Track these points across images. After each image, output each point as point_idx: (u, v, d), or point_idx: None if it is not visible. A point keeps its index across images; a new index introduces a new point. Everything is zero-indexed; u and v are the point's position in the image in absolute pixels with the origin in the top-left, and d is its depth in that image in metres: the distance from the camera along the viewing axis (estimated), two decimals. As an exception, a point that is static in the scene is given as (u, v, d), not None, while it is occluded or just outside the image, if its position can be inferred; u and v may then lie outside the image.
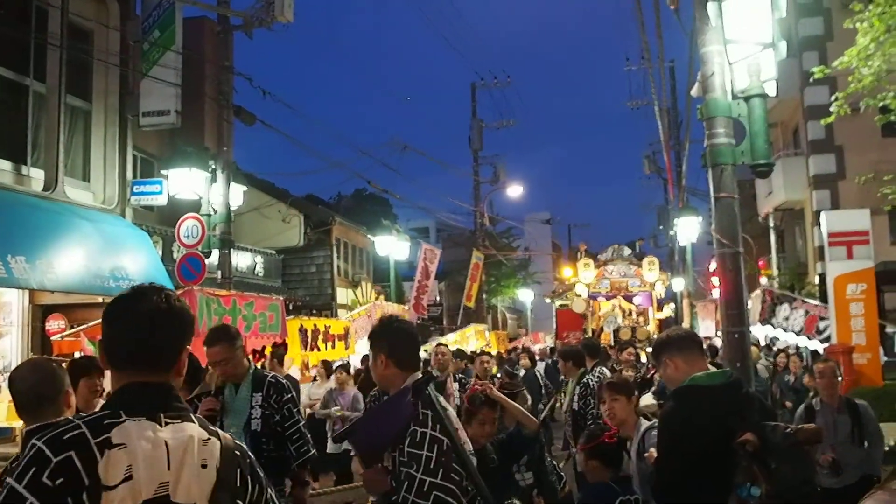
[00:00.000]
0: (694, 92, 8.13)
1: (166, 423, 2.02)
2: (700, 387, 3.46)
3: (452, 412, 3.52)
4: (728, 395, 3.48)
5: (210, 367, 6.04)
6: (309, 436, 5.52)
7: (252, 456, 2.24)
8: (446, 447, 3.10)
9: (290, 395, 5.40)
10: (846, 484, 6.06)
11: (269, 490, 2.22)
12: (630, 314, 30.63)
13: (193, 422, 2.09)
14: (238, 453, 2.15)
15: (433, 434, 3.10)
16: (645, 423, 4.53)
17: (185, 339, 2.21)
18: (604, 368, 9.05)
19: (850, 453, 6.28)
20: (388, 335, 3.52)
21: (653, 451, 3.93)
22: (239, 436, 4.96)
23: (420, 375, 3.45)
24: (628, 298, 30.31)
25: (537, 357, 19.39)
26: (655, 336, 27.85)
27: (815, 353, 14.68)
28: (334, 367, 12.44)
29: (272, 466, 5.10)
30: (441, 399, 3.38)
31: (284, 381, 5.55)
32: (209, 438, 2.08)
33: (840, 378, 7.12)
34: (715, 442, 3.26)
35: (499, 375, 12.60)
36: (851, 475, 6.13)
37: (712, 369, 3.81)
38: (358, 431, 3.68)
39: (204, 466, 2.02)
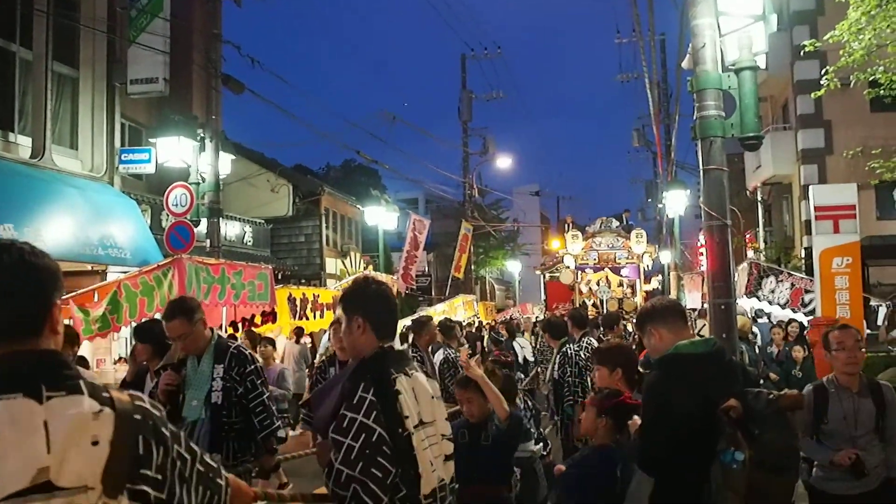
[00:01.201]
0: (685, 64, 8.14)
1: (48, 398, 1.78)
2: (685, 355, 3.50)
3: (425, 391, 3.07)
4: (712, 364, 3.53)
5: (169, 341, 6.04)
6: (274, 408, 5.42)
7: (158, 414, 1.99)
8: (376, 438, 2.73)
9: (252, 367, 5.28)
10: (865, 490, 4.67)
11: (175, 447, 1.97)
12: (619, 286, 30.70)
13: (83, 392, 1.83)
14: (138, 417, 1.89)
15: (363, 422, 2.74)
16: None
17: (48, 294, 1.94)
18: (591, 339, 9.08)
19: (874, 450, 4.70)
20: (366, 297, 3.18)
21: (636, 419, 3.91)
22: (200, 408, 5.07)
23: (395, 345, 3.17)
24: (616, 270, 30.29)
25: (523, 329, 19.46)
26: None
27: (801, 325, 14.81)
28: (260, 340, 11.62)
29: (236, 437, 5.16)
30: (403, 379, 2.96)
31: (248, 352, 5.43)
32: (101, 410, 1.83)
33: (864, 350, 5.28)
34: (699, 409, 3.30)
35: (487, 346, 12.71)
36: (872, 479, 4.67)
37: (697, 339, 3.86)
38: (313, 400, 3.52)
39: (95, 443, 1.79)
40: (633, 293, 29.95)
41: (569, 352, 8.27)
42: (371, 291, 3.21)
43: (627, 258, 29.40)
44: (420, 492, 2.84)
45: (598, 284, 30.30)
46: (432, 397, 3.10)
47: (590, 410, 4.28)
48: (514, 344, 15.85)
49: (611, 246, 29.67)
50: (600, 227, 30.26)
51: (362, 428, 2.74)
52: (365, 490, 2.67)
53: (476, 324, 22.53)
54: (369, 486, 2.68)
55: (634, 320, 4.30)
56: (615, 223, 30.43)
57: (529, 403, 6.32)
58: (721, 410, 3.27)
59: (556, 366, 8.27)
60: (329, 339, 8.51)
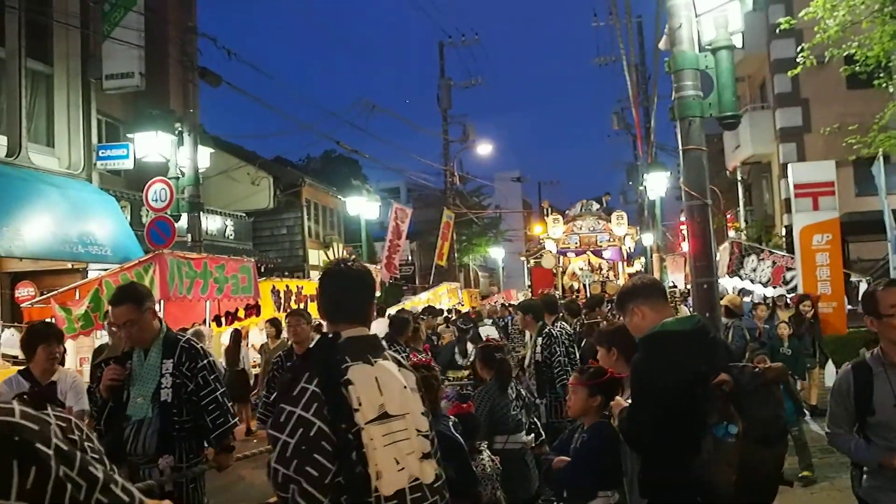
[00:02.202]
0: (662, 45, 8.17)
1: None
2: (673, 331, 3.53)
3: (394, 380, 2.77)
4: (698, 340, 3.55)
5: (115, 329, 5.73)
6: (229, 405, 5.08)
7: (33, 428, 1.56)
8: (314, 433, 2.49)
9: (205, 362, 4.94)
10: None
11: (62, 469, 1.55)
12: (600, 269, 30.67)
13: None
14: (17, 439, 1.52)
15: (301, 416, 2.50)
16: None
17: None
18: (564, 323, 9.12)
19: None
20: (322, 279, 2.98)
21: (619, 401, 3.88)
22: (147, 406, 4.73)
23: (365, 332, 2.86)
24: (597, 253, 30.23)
25: (485, 316, 19.33)
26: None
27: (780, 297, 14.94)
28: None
29: (188, 437, 4.85)
30: (359, 368, 2.67)
31: (200, 346, 5.06)
32: None
33: None
34: (689, 385, 3.32)
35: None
36: None
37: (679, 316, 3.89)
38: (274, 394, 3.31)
39: None
40: (616, 276, 29.92)
41: (553, 332, 8.26)
42: (329, 272, 2.99)
43: (609, 241, 29.33)
44: (373, 493, 2.56)
45: (580, 269, 30.28)
46: (404, 387, 2.80)
47: (580, 391, 4.25)
48: (479, 331, 15.79)
49: (592, 229, 29.58)
50: (581, 210, 30.17)
51: (300, 422, 2.50)
52: (300, 491, 2.46)
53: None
54: (303, 485, 2.46)
55: (616, 300, 4.04)
56: (595, 206, 30.29)
57: (523, 393, 6.13)
58: (714, 385, 3.28)
59: (540, 348, 8.15)
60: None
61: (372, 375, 2.69)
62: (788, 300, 13.60)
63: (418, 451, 2.75)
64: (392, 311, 19.05)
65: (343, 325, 2.80)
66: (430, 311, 12.94)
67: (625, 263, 30.20)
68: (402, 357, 3.10)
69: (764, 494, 3.40)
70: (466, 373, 10.02)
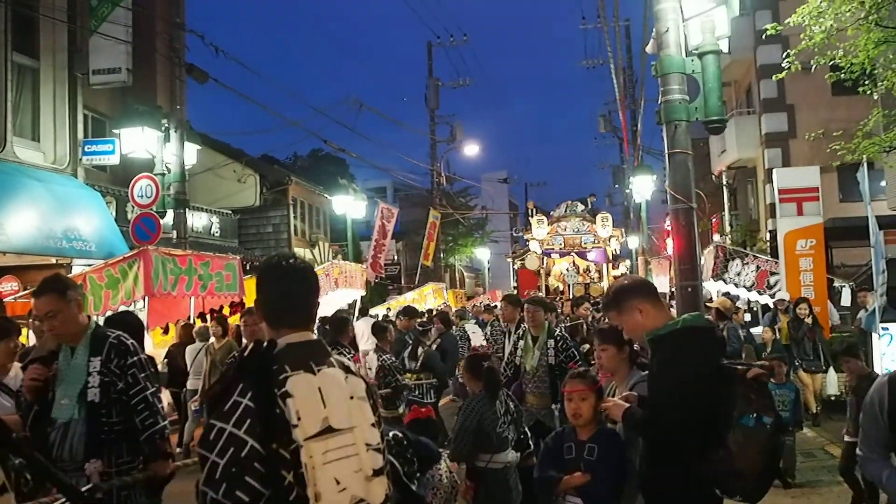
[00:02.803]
0: (649, 49, 8.21)
1: None
2: (698, 327, 3.63)
3: (339, 390, 2.50)
4: (714, 335, 3.74)
5: (35, 323, 5.42)
6: (160, 405, 4.74)
7: None
8: (246, 453, 2.24)
9: (135, 359, 4.61)
10: None
11: None
12: (587, 271, 30.58)
13: None
14: None
15: (233, 433, 2.25)
16: (638, 374, 4.24)
17: None
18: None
19: None
20: (262, 276, 2.65)
21: (617, 402, 3.80)
22: (73, 407, 4.43)
23: (309, 337, 2.58)
24: (582, 255, 30.13)
25: (470, 315, 19.12)
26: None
27: (765, 307, 15.02)
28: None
29: (118, 440, 4.51)
30: (300, 378, 2.39)
31: (130, 342, 4.72)
32: None
33: None
34: (716, 379, 3.41)
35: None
36: None
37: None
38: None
39: None
40: (600, 278, 29.83)
41: (557, 333, 8.01)
42: (269, 269, 2.64)
43: (593, 242, 29.19)
44: None
45: (566, 269, 30.22)
46: (351, 398, 2.51)
47: (590, 397, 4.17)
48: (452, 335, 15.12)
49: (576, 230, 29.48)
50: (565, 211, 30.06)
51: (230, 441, 2.24)
52: None
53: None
54: None
55: (611, 298, 3.88)
56: (580, 207, 30.17)
57: (512, 406, 5.61)
58: (750, 377, 3.38)
59: (553, 350, 7.69)
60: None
61: (314, 386, 2.41)
62: (788, 305, 13.61)
63: (367, 468, 2.48)
64: (376, 311, 19.10)
65: (285, 330, 2.51)
66: (409, 311, 12.76)
67: (610, 265, 30.14)
68: (348, 360, 2.82)
69: (771, 480, 3.57)
70: (413, 377, 9.73)
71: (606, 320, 4.52)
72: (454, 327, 13.79)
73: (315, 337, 2.62)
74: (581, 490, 4.02)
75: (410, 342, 10.55)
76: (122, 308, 10.60)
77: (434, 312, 16.39)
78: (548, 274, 30.87)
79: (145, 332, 10.66)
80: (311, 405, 2.36)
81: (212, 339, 10.64)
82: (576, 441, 4.17)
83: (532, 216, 30.84)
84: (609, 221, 28.92)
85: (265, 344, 2.42)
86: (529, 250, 30.58)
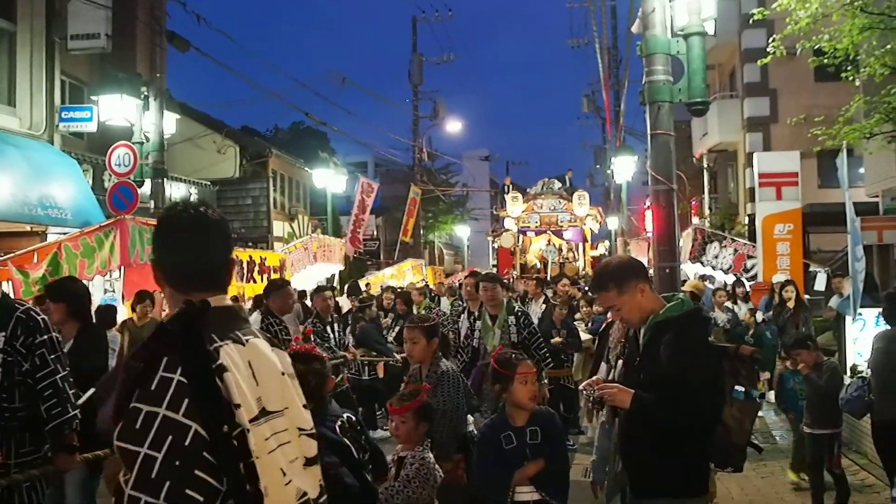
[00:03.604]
0: (634, 28, 8.17)
1: None
2: (700, 309, 3.74)
3: (270, 366, 2.08)
4: (707, 317, 3.85)
5: None
6: (69, 392, 4.23)
7: None
8: (190, 441, 1.79)
9: (45, 338, 4.15)
10: None
11: None
12: (560, 250, 30.20)
13: None
14: None
15: (168, 417, 1.79)
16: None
17: None
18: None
19: None
20: (168, 228, 2.16)
21: (618, 387, 3.51)
22: None
23: (227, 301, 2.14)
24: (558, 234, 29.38)
25: (433, 293, 18.08)
26: (589, 271, 28.16)
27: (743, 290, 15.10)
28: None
29: (22, 429, 4.10)
30: (231, 349, 1.95)
31: (41, 318, 4.24)
32: None
33: None
34: (724, 358, 3.54)
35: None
36: None
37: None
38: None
39: None
40: (576, 257, 29.51)
41: (517, 308, 7.71)
42: (176, 219, 2.15)
43: (570, 221, 28.50)
44: None
45: (546, 246, 29.90)
46: (282, 374, 2.11)
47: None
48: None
49: (553, 208, 28.61)
50: (542, 188, 29.27)
51: (167, 427, 1.78)
52: None
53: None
54: None
55: (610, 276, 3.62)
56: (557, 185, 29.38)
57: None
58: (746, 355, 3.53)
59: (515, 328, 7.36)
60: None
61: (245, 359, 1.98)
62: (748, 288, 13.65)
63: (301, 457, 2.08)
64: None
65: (198, 294, 2.02)
66: (352, 289, 12.59)
67: (587, 245, 29.81)
68: (280, 330, 2.45)
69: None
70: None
71: (595, 298, 4.48)
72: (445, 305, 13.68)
73: (231, 303, 2.18)
74: (534, 478, 3.86)
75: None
76: (98, 278, 10.53)
77: (384, 289, 15.30)
78: (524, 252, 30.51)
79: (120, 305, 10.59)
80: (246, 382, 1.94)
81: (133, 315, 9.67)
82: (513, 428, 3.93)
83: (507, 192, 30.23)
84: (586, 200, 28.19)
85: (195, 305, 1.96)
86: (505, 228, 30.17)
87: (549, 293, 12.14)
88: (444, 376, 4.92)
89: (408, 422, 3.99)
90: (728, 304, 12.57)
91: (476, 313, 7.65)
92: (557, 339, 9.41)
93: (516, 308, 7.70)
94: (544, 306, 11.36)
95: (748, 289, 13.80)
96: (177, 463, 1.76)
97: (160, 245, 2.16)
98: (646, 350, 3.52)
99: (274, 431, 1.98)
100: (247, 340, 2.02)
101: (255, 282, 14.12)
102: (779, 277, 13.32)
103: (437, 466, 4.03)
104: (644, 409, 3.38)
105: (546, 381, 7.96)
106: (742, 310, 12.36)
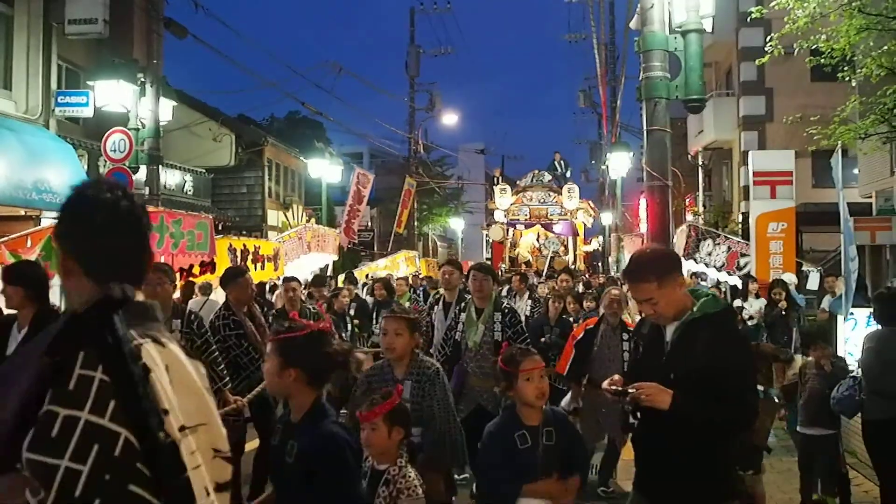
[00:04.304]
0: (632, 24, 8.19)
1: None
2: (733, 306, 3.71)
3: (187, 376, 1.76)
4: None
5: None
6: None
7: None
8: (121, 450, 1.51)
9: None
10: None
11: None
12: (565, 242, 29.74)
13: None
14: None
15: (92, 423, 1.50)
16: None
17: None
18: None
19: None
20: (85, 209, 1.79)
21: (656, 385, 3.25)
22: None
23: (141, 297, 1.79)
24: (548, 227, 29.12)
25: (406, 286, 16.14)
26: (580, 266, 28.13)
27: (734, 287, 15.17)
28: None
29: None
30: (152, 348, 1.68)
31: None
32: None
33: None
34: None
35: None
36: None
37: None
38: None
39: None
40: (566, 251, 29.04)
41: (504, 305, 7.02)
42: (91, 199, 1.79)
43: (560, 214, 28.18)
44: None
45: (546, 238, 29.63)
46: (200, 386, 1.79)
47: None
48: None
49: (542, 201, 28.31)
50: (532, 180, 28.92)
51: (91, 434, 1.49)
52: None
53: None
54: None
55: (653, 267, 3.36)
56: (547, 177, 28.99)
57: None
58: (767, 352, 3.52)
59: (500, 325, 6.74)
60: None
61: (164, 363, 1.70)
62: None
63: (212, 481, 1.73)
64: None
65: (113, 282, 1.73)
66: (317, 280, 12.38)
67: (577, 239, 29.39)
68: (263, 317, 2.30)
69: None
70: None
71: (626, 290, 4.26)
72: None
73: (144, 299, 1.84)
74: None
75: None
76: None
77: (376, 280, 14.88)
78: (514, 245, 30.10)
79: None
80: (167, 389, 1.66)
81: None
82: (528, 427, 3.70)
83: (496, 184, 29.64)
84: (575, 193, 27.79)
85: (113, 296, 1.69)
86: (494, 220, 29.83)
87: (546, 289, 11.91)
88: (437, 374, 4.56)
89: (378, 429, 3.49)
90: (738, 301, 12.60)
91: (462, 304, 6.97)
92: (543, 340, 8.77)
93: (504, 304, 7.02)
94: (530, 302, 11.21)
95: (741, 287, 13.85)
96: (107, 477, 1.49)
97: (76, 227, 1.79)
98: (676, 347, 3.34)
99: (195, 449, 1.68)
100: (165, 343, 1.74)
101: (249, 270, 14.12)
102: (789, 276, 13.23)
103: (419, 482, 3.58)
104: (684, 409, 3.17)
105: None
106: (753, 307, 12.23)
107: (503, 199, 27.98)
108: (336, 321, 10.13)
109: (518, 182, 29.85)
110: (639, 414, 3.33)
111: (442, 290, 7.75)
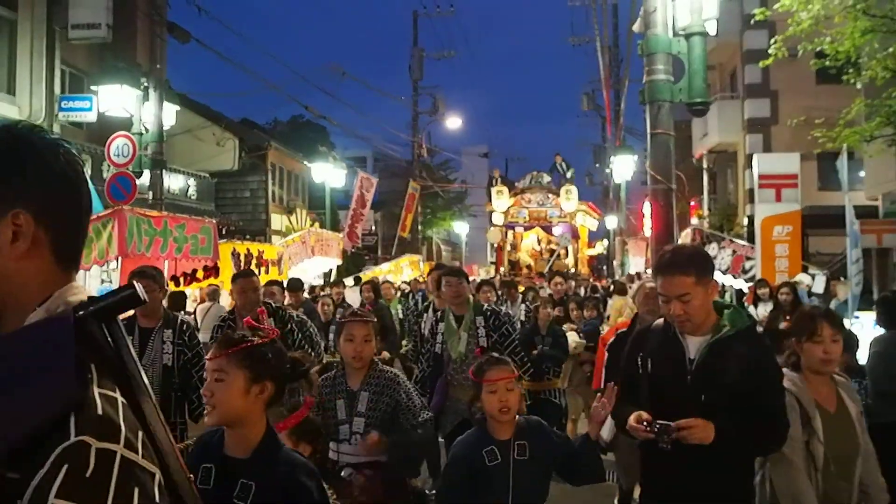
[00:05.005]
0: (636, 27, 8.16)
1: None
2: None
3: (151, 403, 1.23)
4: None
5: None
6: None
7: None
8: (159, 495, 1.12)
9: None
10: None
11: None
12: (577, 237, 28.95)
13: None
14: None
15: (128, 459, 1.08)
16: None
17: None
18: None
19: None
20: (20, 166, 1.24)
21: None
22: None
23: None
24: (547, 229, 28.55)
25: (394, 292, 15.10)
26: (582, 269, 27.97)
27: (739, 291, 15.11)
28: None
29: None
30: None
31: None
32: None
33: None
34: None
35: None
36: None
37: None
38: None
39: None
40: (566, 254, 28.39)
41: (486, 307, 6.39)
42: (35, 145, 1.29)
43: (559, 216, 27.62)
44: None
45: (558, 236, 28.94)
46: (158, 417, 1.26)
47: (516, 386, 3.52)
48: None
49: (541, 203, 27.71)
50: (530, 182, 28.33)
51: (130, 474, 1.08)
52: None
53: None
54: None
55: (691, 261, 3.15)
56: (546, 178, 28.31)
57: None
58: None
59: (486, 330, 6.08)
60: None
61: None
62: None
63: None
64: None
65: (73, 274, 1.30)
66: (293, 284, 11.06)
67: (577, 241, 28.81)
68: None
69: None
70: None
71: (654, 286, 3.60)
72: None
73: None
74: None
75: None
76: (96, 268, 10.51)
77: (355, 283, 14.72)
78: (514, 248, 29.45)
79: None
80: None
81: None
82: (496, 442, 3.43)
83: (495, 185, 28.84)
84: (574, 195, 27.03)
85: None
86: (492, 223, 28.97)
87: (547, 294, 11.32)
88: (397, 381, 4.12)
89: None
90: (750, 306, 12.48)
91: (440, 313, 6.36)
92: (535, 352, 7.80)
93: (485, 307, 6.39)
94: (523, 307, 10.43)
95: (746, 290, 13.79)
96: None
97: (36, 176, 1.25)
98: (705, 366, 3.09)
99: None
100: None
101: (252, 275, 14.09)
102: (804, 277, 13.11)
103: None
104: (727, 438, 2.97)
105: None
106: (762, 312, 12.01)
107: (500, 200, 27.37)
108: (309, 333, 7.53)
109: (516, 184, 29.32)
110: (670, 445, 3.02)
111: (432, 297, 7.22)
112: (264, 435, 2.54)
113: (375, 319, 4.18)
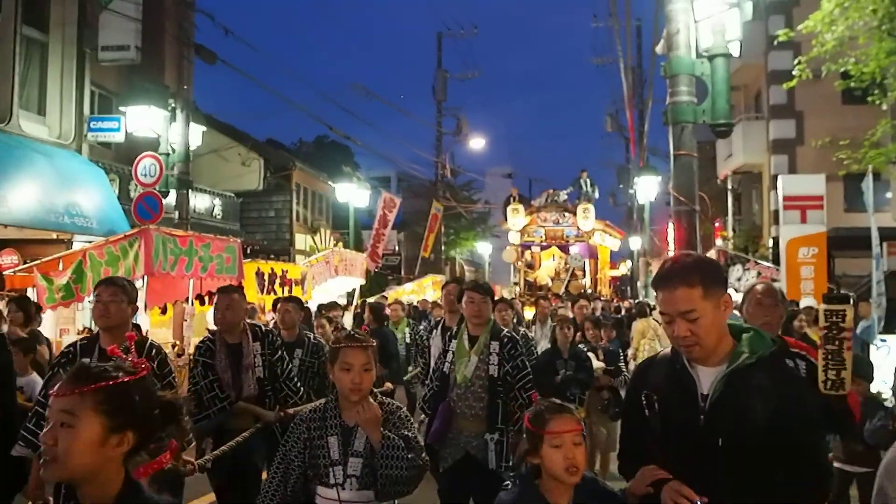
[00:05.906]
0: (659, 49, 8.19)
1: None
2: None
3: None
4: None
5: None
6: None
7: None
8: None
9: None
10: None
11: None
12: (566, 264, 27.72)
13: None
14: None
15: None
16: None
17: None
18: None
19: None
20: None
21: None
22: None
23: None
24: (564, 249, 27.63)
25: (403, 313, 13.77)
26: (603, 290, 27.79)
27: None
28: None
29: None
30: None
31: None
32: None
33: None
34: None
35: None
36: None
37: None
38: None
39: None
40: (583, 274, 27.50)
41: (504, 333, 5.67)
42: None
43: (577, 236, 26.73)
44: None
45: (573, 257, 28.41)
46: None
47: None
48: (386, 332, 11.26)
49: (557, 222, 26.84)
50: (546, 200, 27.48)
51: None
52: None
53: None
54: None
55: (699, 271, 2.60)
56: (563, 196, 27.39)
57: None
58: None
59: (497, 357, 5.45)
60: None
61: None
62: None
63: None
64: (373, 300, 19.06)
65: None
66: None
67: (596, 261, 27.90)
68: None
69: None
70: None
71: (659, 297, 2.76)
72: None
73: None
74: None
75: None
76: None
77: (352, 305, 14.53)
78: (529, 266, 28.69)
79: (143, 314, 10.65)
80: None
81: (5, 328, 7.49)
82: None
83: (511, 203, 27.68)
84: (591, 213, 26.15)
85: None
86: (509, 242, 28.16)
87: (570, 313, 10.98)
88: (399, 410, 3.62)
89: None
90: None
91: (454, 330, 5.77)
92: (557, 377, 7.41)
93: (504, 332, 5.66)
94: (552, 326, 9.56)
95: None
96: None
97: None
98: (721, 403, 2.56)
99: None
100: None
101: (275, 294, 14.16)
102: (809, 301, 13.00)
103: None
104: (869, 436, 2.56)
105: None
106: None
107: (516, 219, 26.59)
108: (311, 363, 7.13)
109: (532, 202, 28.57)
110: None
111: (442, 314, 6.80)
112: (123, 486, 1.98)
113: (375, 343, 3.59)
